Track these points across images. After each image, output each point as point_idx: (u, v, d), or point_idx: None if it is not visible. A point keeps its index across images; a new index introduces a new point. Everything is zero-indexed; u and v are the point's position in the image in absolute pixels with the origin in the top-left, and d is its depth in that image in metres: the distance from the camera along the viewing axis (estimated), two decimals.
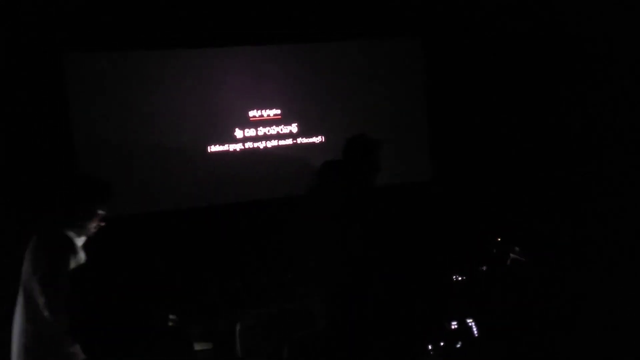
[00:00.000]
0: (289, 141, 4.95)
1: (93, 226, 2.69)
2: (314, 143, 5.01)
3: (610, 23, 4.35)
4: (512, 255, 4.07)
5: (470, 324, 2.26)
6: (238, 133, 4.81)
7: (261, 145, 4.87)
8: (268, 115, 4.89)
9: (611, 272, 3.17)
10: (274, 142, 4.91)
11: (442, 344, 2.92)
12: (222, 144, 4.78)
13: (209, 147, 4.75)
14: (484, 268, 3.70)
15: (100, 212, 2.68)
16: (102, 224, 2.73)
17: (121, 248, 3.95)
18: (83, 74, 4.45)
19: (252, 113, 4.85)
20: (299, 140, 4.98)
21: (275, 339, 3.31)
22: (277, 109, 4.91)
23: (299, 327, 3.39)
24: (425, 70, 5.27)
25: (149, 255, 4.44)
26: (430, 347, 3.07)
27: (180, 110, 4.68)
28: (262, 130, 4.87)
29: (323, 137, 5.03)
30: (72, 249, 2.57)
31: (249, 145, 4.84)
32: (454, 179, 5.22)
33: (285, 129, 4.93)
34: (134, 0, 4.42)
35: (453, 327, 2.31)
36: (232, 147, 4.81)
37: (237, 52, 4.80)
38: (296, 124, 4.96)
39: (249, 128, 4.84)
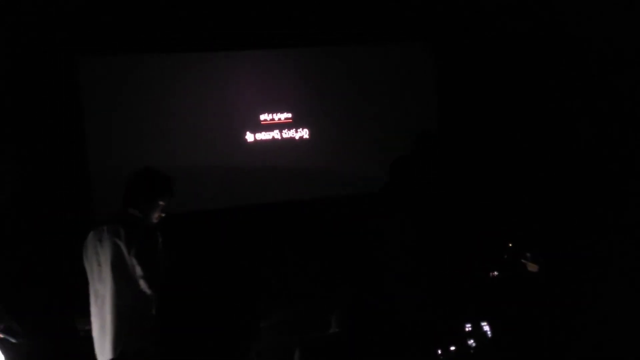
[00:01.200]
0: (300, 144, 4.95)
1: (155, 217, 2.90)
2: (324, 146, 5.01)
3: (621, 26, 4.34)
4: (523, 260, 4.05)
5: (484, 327, 2.24)
6: (249, 136, 4.82)
7: (272, 148, 4.87)
8: (279, 119, 4.90)
9: (625, 276, 3.14)
10: (285, 145, 4.92)
11: (452, 348, 2.90)
12: (233, 147, 4.79)
13: (220, 150, 4.77)
14: (495, 273, 3.68)
15: (161, 203, 2.88)
16: (163, 215, 2.93)
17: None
18: (96, 77, 4.48)
19: (263, 117, 4.86)
20: (309, 143, 4.98)
21: (288, 341, 3.30)
22: (288, 112, 4.92)
23: (311, 330, 3.38)
24: (435, 75, 5.26)
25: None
26: (439, 351, 3.05)
27: (192, 113, 4.70)
28: (273, 134, 4.88)
29: (333, 141, 5.03)
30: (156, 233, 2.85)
31: (260, 148, 4.85)
32: (465, 183, 5.19)
33: (296, 133, 4.94)
34: (148, 4, 4.45)
35: (467, 329, 2.29)
36: (243, 150, 4.82)
37: (249, 56, 4.82)
38: (307, 128, 4.96)
39: (260, 132, 4.85)
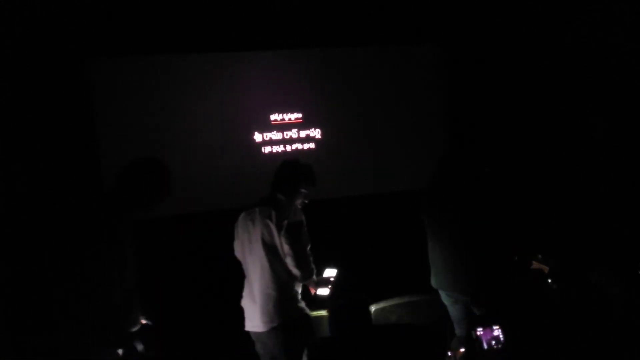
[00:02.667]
0: (310, 145, 4.95)
1: (299, 202, 3.16)
2: (334, 146, 5.01)
3: (631, 29, 4.31)
4: (534, 262, 4.02)
5: (497, 332, 2.23)
6: (259, 136, 4.83)
7: (282, 148, 4.88)
8: (289, 119, 4.90)
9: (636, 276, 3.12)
10: (295, 146, 4.92)
11: (462, 350, 2.89)
12: (244, 147, 4.81)
13: (230, 150, 4.78)
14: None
15: (303, 190, 3.13)
16: (306, 201, 3.17)
17: None
18: (107, 78, 4.51)
19: (273, 117, 4.87)
20: (320, 143, 4.98)
21: (297, 342, 3.30)
22: (298, 112, 4.92)
23: (320, 330, 3.38)
24: (446, 76, 5.25)
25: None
26: (449, 353, 3.05)
27: (203, 114, 4.71)
28: (283, 134, 4.89)
29: (343, 141, 5.03)
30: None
31: (270, 148, 4.86)
32: (478, 185, 5.17)
33: (306, 133, 4.94)
34: (158, 6, 4.47)
35: (479, 333, 2.29)
36: (254, 149, 4.82)
37: (260, 57, 4.83)
38: (317, 128, 4.96)
39: (271, 131, 4.86)
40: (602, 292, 3.00)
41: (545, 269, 3.93)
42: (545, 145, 5.10)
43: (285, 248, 3.01)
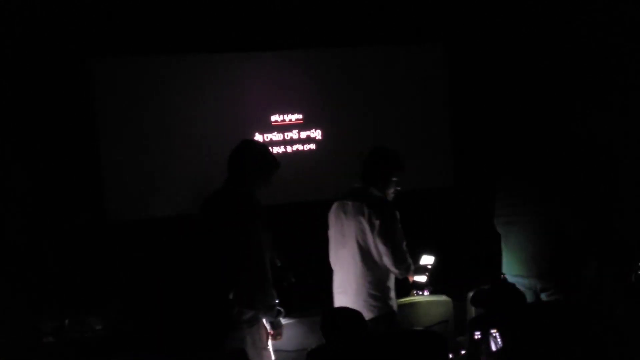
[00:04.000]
0: (311, 145, 4.95)
1: (391, 192, 3.15)
2: (334, 147, 5.00)
3: (631, 29, 4.30)
4: None
5: (494, 335, 2.23)
6: (259, 137, 4.83)
7: (282, 149, 4.88)
8: (290, 120, 4.90)
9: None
10: (296, 147, 4.92)
11: (463, 352, 2.89)
12: None
13: (231, 151, 4.77)
14: (504, 276, 3.66)
15: (395, 179, 3.12)
16: (399, 188, 3.17)
17: None
18: (108, 79, 4.52)
19: (274, 118, 4.86)
20: (321, 144, 4.98)
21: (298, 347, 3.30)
22: (298, 113, 4.91)
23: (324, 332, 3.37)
24: (447, 76, 5.24)
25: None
26: (451, 355, 3.04)
27: (203, 114, 4.72)
28: (284, 135, 4.88)
29: (344, 142, 5.02)
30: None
31: (270, 149, 4.85)
32: (477, 185, 5.16)
33: (306, 134, 4.94)
34: (159, 6, 4.47)
35: (476, 337, 2.28)
36: None
37: (260, 57, 4.83)
38: (318, 128, 4.96)
39: (271, 132, 4.86)
40: (600, 291, 3.00)
41: None
42: (546, 145, 5.08)
43: (380, 248, 3.00)
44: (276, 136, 4.87)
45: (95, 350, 3.78)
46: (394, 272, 3.07)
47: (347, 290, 3.13)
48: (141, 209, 4.58)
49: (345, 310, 2.62)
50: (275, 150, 4.86)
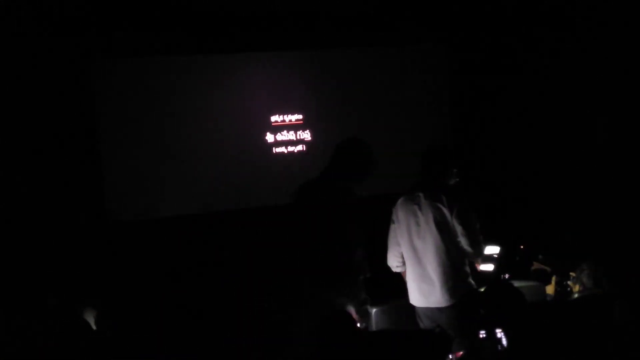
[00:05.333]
0: (310, 146, 4.95)
1: (453, 182, 3.31)
2: (334, 148, 4.99)
3: (632, 29, 4.31)
4: (535, 263, 4.02)
5: (499, 335, 2.23)
6: (260, 137, 4.82)
7: (282, 149, 4.88)
8: (290, 121, 4.90)
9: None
10: (295, 147, 4.92)
11: (461, 352, 2.89)
12: (245, 148, 4.80)
13: (231, 152, 4.77)
14: (507, 276, 3.67)
15: (455, 169, 3.30)
16: (458, 179, 3.33)
17: None
18: (109, 80, 4.51)
19: (274, 118, 4.86)
20: (321, 144, 4.98)
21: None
22: (299, 114, 4.92)
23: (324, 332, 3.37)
24: (448, 77, 5.24)
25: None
26: (450, 356, 3.04)
27: (204, 115, 4.71)
28: (284, 135, 4.88)
29: (345, 142, 5.01)
30: None
31: (271, 148, 4.85)
32: (478, 185, 5.17)
33: (306, 134, 4.94)
34: (159, 7, 4.46)
35: (481, 336, 2.28)
36: (254, 150, 4.82)
37: (261, 58, 4.82)
38: (318, 129, 4.96)
39: (271, 133, 4.86)
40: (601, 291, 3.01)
41: (547, 269, 3.93)
42: (547, 145, 5.10)
43: (458, 229, 3.17)
44: (276, 136, 4.86)
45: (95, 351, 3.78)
46: (469, 253, 3.23)
47: (429, 278, 3.26)
48: (141, 209, 4.57)
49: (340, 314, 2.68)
50: (275, 150, 4.86)
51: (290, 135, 4.91)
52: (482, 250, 3.30)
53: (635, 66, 4.36)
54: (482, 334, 2.30)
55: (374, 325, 3.64)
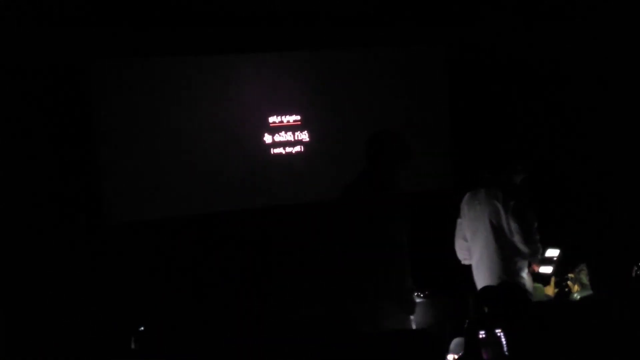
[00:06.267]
0: (309, 147, 4.94)
1: (519, 179, 3.41)
2: (333, 148, 5.00)
3: (632, 29, 4.32)
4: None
5: (499, 335, 2.22)
6: (258, 138, 4.82)
7: (280, 150, 4.87)
8: (288, 122, 4.89)
9: None
10: (294, 148, 4.91)
11: (460, 353, 2.88)
12: (243, 149, 4.79)
13: (229, 152, 4.76)
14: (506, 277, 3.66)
15: (520, 167, 3.40)
16: (523, 176, 3.42)
17: None
18: (107, 80, 4.51)
19: (272, 119, 4.85)
20: (318, 145, 4.97)
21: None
22: (297, 115, 4.91)
23: (322, 332, 3.36)
24: (447, 78, 5.24)
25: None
26: (449, 357, 3.03)
27: (202, 116, 4.71)
28: (282, 136, 4.87)
29: (342, 144, 5.02)
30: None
31: (269, 151, 4.84)
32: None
33: (304, 135, 4.93)
34: (158, 7, 4.46)
35: (481, 336, 2.27)
36: (252, 151, 4.81)
37: (259, 58, 4.82)
38: (316, 130, 4.95)
39: (269, 134, 4.85)
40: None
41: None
42: (547, 146, 5.10)
43: (512, 226, 3.25)
44: (274, 137, 4.85)
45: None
46: (523, 251, 3.28)
47: (482, 270, 3.40)
48: (139, 211, 4.56)
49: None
50: (273, 151, 4.85)
51: (288, 136, 4.90)
52: (537, 249, 3.32)
53: (632, 65, 4.36)
54: (482, 334, 2.28)
55: (416, 316, 3.63)
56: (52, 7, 4.21)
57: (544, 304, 3.23)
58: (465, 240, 3.50)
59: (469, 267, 4.06)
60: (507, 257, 3.30)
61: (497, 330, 2.24)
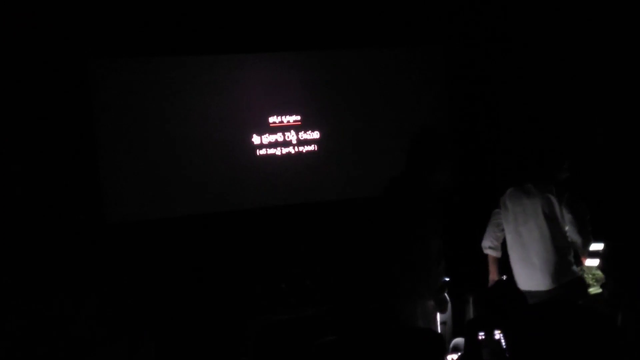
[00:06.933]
0: (309, 147, 4.94)
1: (564, 176, 3.54)
2: (333, 149, 4.99)
3: (632, 29, 4.31)
4: None
5: (498, 336, 2.22)
6: (258, 139, 4.81)
7: (280, 151, 4.87)
8: (288, 122, 4.89)
9: None
10: (294, 148, 4.91)
11: (458, 354, 2.88)
12: (243, 149, 4.79)
13: (229, 153, 4.76)
14: (505, 277, 3.67)
15: (566, 165, 3.53)
16: (568, 174, 3.55)
17: None
18: (106, 80, 4.49)
19: (272, 119, 4.85)
20: (319, 145, 4.97)
21: (293, 346, 3.30)
22: (297, 115, 4.91)
23: (317, 334, 3.36)
24: (446, 79, 5.23)
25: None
26: (449, 357, 3.03)
27: (201, 116, 4.70)
28: (282, 136, 4.87)
29: (342, 144, 5.02)
30: None
31: (268, 151, 4.84)
32: (475, 188, 5.17)
33: (305, 135, 4.93)
34: (156, 7, 4.45)
35: (480, 337, 2.27)
36: (253, 152, 4.81)
37: (259, 59, 4.81)
38: (316, 130, 4.95)
39: (269, 134, 4.85)
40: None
41: None
42: (547, 147, 5.09)
43: (567, 217, 3.43)
44: (274, 137, 4.85)
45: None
46: (576, 241, 3.44)
47: (531, 262, 3.49)
48: (140, 210, 4.56)
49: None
50: (273, 151, 4.84)
51: (291, 136, 4.90)
52: (590, 240, 3.47)
53: (633, 66, 4.36)
54: (481, 335, 2.29)
55: (449, 312, 3.76)
56: (55, 6, 4.20)
57: (544, 304, 3.23)
58: (501, 230, 3.63)
59: (469, 267, 4.09)
60: (562, 249, 3.43)
61: (496, 331, 2.25)
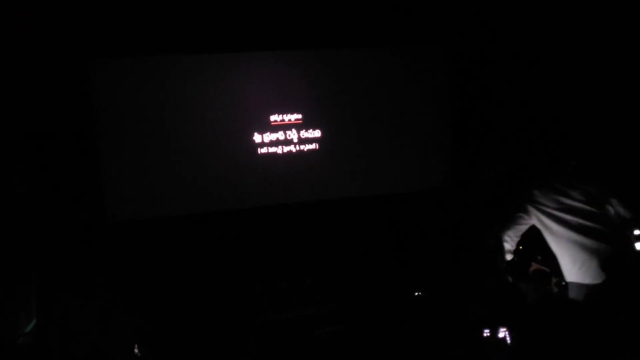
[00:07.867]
0: (310, 145, 4.94)
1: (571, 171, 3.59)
2: (334, 147, 5.00)
3: (632, 29, 4.32)
4: (534, 264, 4.02)
5: (503, 333, 2.22)
6: (259, 137, 4.81)
7: (282, 149, 4.87)
8: (289, 120, 4.89)
9: None
10: (295, 147, 4.91)
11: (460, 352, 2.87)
12: (244, 147, 4.79)
13: (230, 151, 4.76)
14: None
15: (574, 163, 3.61)
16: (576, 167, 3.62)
17: None
18: (108, 78, 4.50)
19: (273, 117, 4.85)
20: (320, 144, 4.97)
21: (293, 345, 3.30)
22: (298, 113, 4.91)
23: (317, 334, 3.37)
24: (447, 78, 5.24)
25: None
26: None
27: (203, 114, 4.70)
28: (283, 135, 4.87)
29: (343, 142, 5.02)
30: None
31: (270, 149, 4.84)
32: (476, 186, 5.17)
33: (306, 134, 4.93)
34: (158, 6, 4.45)
35: (485, 334, 2.27)
36: (254, 150, 4.81)
37: (260, 57, 4.82)
38: (317, 128, 4.95)
39: (271, 132, 4.85)
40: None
41: (546, 270, 3.93)
42: (547, 146, 5.10)
43: (621, 211, 3.46)
44: (276, 136, 4.85)
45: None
46: (627, 218, 3.48)
47: (586, 244, 3.44)
48: (140, 209, 4.55)
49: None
50: (274, 150, 4.84)
51: (292, 135, 4.90)
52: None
53: (633, 65, 4.37)
54: (486, 333, 2.29)
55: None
56: (55, 6, 4.19)
57: (545, 304, 3.24)
58: (526, 223, 3.60)
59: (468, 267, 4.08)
60: (604, 240, 3.41)
61: (501, 329, 2.25)
